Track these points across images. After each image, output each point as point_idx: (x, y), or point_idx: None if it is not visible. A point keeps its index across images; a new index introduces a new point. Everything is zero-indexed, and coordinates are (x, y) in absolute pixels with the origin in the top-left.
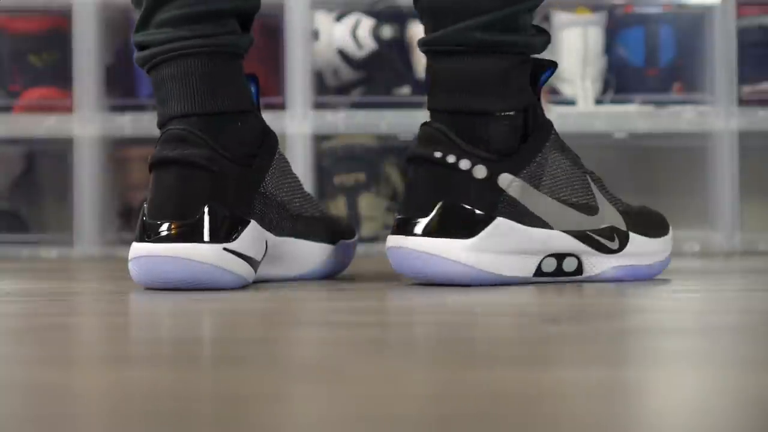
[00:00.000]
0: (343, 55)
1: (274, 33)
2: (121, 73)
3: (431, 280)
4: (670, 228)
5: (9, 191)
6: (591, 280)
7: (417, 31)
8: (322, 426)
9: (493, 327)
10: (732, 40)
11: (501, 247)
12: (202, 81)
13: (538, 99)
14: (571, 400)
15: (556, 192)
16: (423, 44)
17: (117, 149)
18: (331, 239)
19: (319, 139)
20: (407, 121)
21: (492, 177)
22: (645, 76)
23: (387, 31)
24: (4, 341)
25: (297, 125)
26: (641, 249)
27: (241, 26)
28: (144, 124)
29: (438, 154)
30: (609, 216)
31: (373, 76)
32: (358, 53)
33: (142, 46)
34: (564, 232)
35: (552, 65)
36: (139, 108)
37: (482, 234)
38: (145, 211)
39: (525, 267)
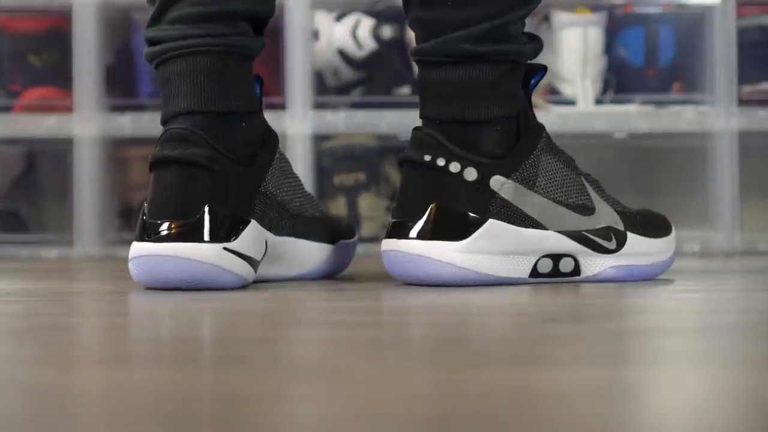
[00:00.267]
0: (343, 55)
1: (274, 33)
2: (121, 73)
3: (426, 283)
4: (673, 229)
5: (9, 191)
6: (589, 280)
7: None
8: (321, 426)
9: (491, 327)
10: (732, 40)
11: (494, 249)
12: (211, 79)
13: (529, 102)
14: (571, 400)
15: (551, 193)
16: (414, 54)
17: (117, 149)
18: (331, 239)
19: (319, 139)
20: (407, 121)
21: (483, 179)
22: (645, 76)
23: (387, 31)
24: (4, 341)
25: (297, 125)
26: (640, 249)
27: (255, 30)
28: (144, 124)
29: (428, 158)
30: (606, 216)
31: (373, 76)
32: (358, 53)
33: (152, 42)
34: (559, 232)
35: (542, 69)
36: (139, 108)
37: (475, 236)
38: (146, 211)
39: (520, 268)
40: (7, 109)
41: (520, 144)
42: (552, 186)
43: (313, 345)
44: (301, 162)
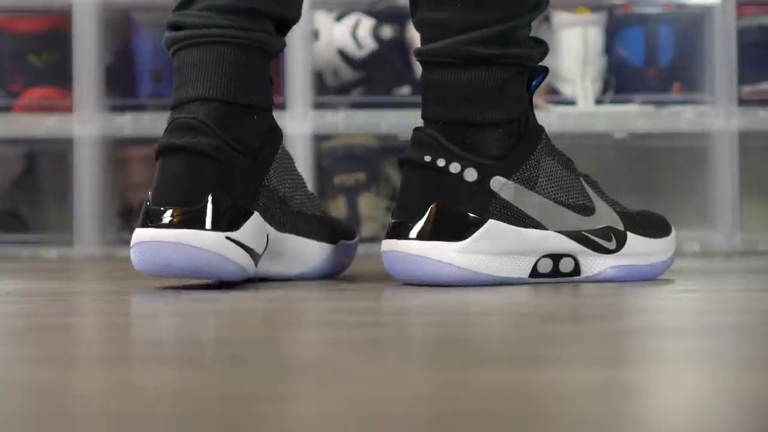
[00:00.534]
0: (343, 55)
1: None
2: (121, 73)
3: (426, 283)
4: (673, 229)
5: (9, 191)
6: (589, 280)
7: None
8: (322, 426)
9: (491, 327)
10: (732, 40)
11: (494, 249)
12: (233, 69)
13: (530, 104)
14: (571, 400)
15: (551, 193)
16: (419, 54)
17: (117, 149)
18: (332, 239)
19: (319, 139)
20: (407, 121)
21: (483, 180)
22: (645, 76)
23: (387, 31)
24: (4, 341)
25: (297, 125)
26: (640, 249)
27: (277, 31)
28: (144, 124)
29: (428, 158)
30: (606, 217)
31: (373, 76)
32: (358, 53)
33: (176, 27)
34: (559, 232)
35: (544, 70)
36: (139, 108)
37: (474, 236)
38: (150, 198)
39: (520, 268)
40: (7, 109)
41: (521, 145)
42: (552, 186)
43: (313, 345)
44: (301, 162)
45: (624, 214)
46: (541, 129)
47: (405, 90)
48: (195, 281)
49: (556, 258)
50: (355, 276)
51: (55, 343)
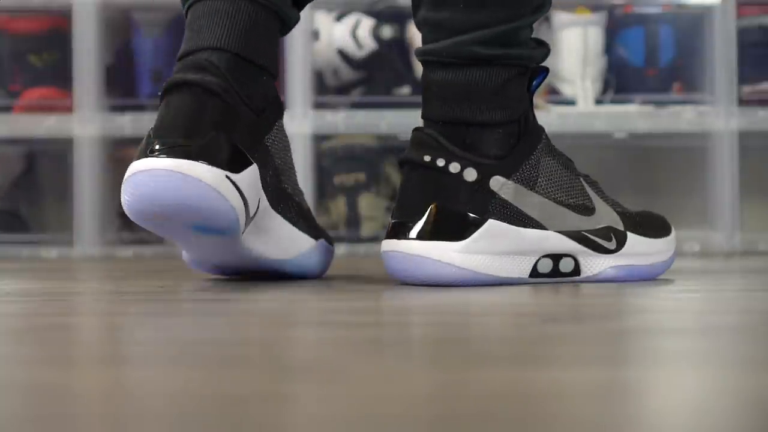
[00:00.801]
0: (343, 55)
1: None
2: (121, 73)
3: (426, 283)
4: (673, 229)
5: (9, 191)
6: (589, 280)
7: (417, 31)
8: (322, 426)
9: (491, 327)
10: (732, 40)
11: (494, 249)
12: (248, 25)
13: (531, 104)
14: (571, 400)
15: (551, 193)
16: (420, 54)
17: (117, 149)
18: (314, 235)
19: (319, 139)
20: (407, 121)
21: (483, 180)
22: (645, 76)
23: (387, 31)
24: (4, 341)
25: (297, 125)
26: (641, 249)
27: (293, 4)
28: (144, 124)
29: (427, 158)
30: (606, 217)
31: (373, 76)
32: (358, 53)
33: None
34: (559, 232)
35: (544, 70)
36: (139, 108)
37: (474, 236)
38: (151, 131)
39: (520, 268)
40: (7, 109)
41: (521, 145)
42: (552, 186)
43: (313, 345)
44: (301, 162)
45: (624, 214)
46: (541, 129)
47: (405, 90)
48: (194, 277)
49: (556, 258)
50: (354, 276)
51: (55, 343)
